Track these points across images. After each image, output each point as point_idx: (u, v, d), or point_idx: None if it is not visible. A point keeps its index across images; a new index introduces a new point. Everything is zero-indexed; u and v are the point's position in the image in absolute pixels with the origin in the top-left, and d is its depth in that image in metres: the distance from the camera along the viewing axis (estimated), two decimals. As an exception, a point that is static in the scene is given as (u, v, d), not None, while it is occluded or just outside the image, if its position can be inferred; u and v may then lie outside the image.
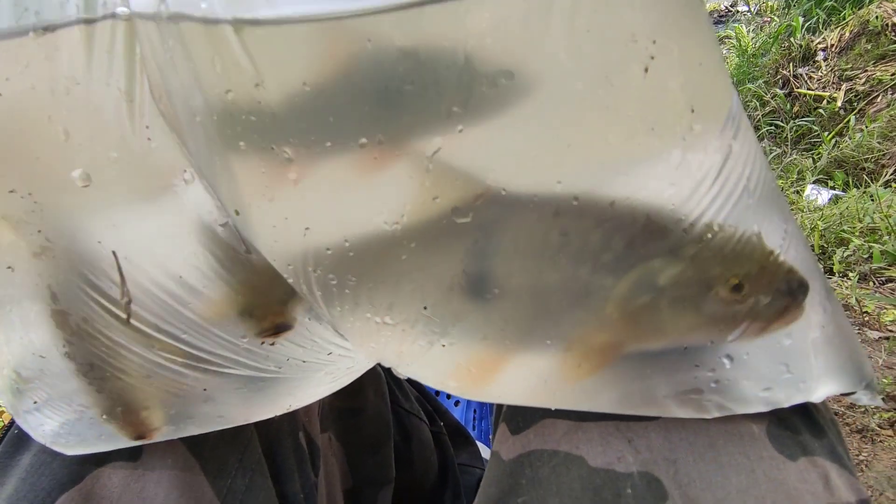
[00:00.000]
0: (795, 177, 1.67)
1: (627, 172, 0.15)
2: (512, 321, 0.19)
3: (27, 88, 0.17)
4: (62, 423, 0.23)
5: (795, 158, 1.78)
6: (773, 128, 2.02)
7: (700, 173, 0.17)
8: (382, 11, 0.13)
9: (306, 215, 0.16)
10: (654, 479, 0.20)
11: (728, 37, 2.85)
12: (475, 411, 0.78)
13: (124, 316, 0.18)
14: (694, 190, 0.16)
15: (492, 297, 0.17)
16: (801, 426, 0.20)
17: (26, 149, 0.17)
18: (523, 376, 0.20)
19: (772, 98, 2.11)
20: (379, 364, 0.23)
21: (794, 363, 0.20)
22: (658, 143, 0.15)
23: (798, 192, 1.58)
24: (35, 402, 0.22)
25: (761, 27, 2.67)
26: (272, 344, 0.20)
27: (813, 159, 1.74)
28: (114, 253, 0.18)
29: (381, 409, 0.40)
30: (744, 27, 2.58)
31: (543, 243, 0.16)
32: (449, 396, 0.79)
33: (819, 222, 1.25)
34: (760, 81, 2.23)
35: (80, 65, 0.17)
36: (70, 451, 0.23)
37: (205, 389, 0.20)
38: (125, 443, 0.23)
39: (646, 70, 0.15)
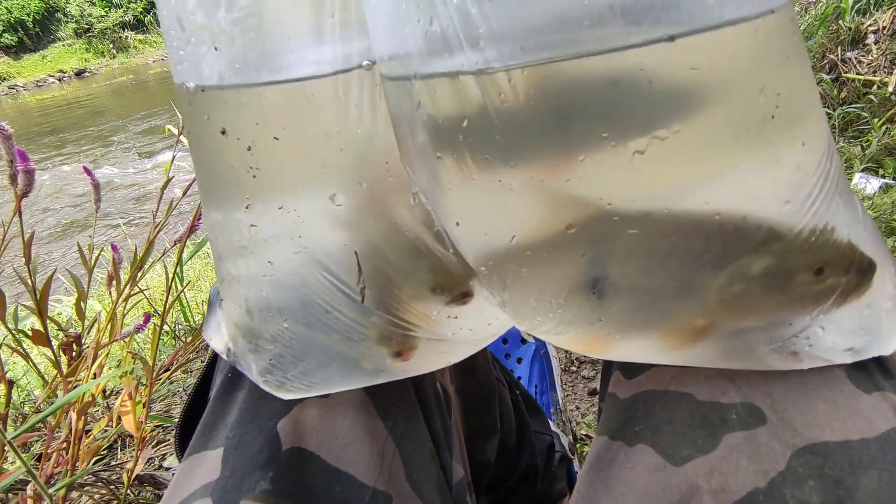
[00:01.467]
0: (843, 165, 1.66)
1: (757, 195, 0.20)
2: (631, 311, 0.24)
3: (299, 134, 0.23)
4: (278, 370, 0.29)
5: (843, 146, 1.76)
6: (819, 114, 1.98)
7: (806, 191, 0.22)
8: (585, 56, 0.18)
9: (514, 227, 0.21)
10: (755, 407, 0.25)
11: (772, 20, 2.77)
12: (536, 386, 0.84)
13: (359, 298, 0.25)
14: (802, 204, 0.22)
15: (618, 294, 0.23)
16: (874, 370, 0.25)
17: (295, 176, 0.24)
18: (640, 345, 0.26)
19: (818, 84, 2.06)
20: None
21: (871, 326, 0.24)
22: (780, 172, 0.20)
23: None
24: (257, 350, 0.29)
25: (806, 9, 2.59)
26: (456, 317, 0.26)
27: (861, 147, 1.71)
28: (356, 252, 0.24)
29: (487, 370, 0.47)
30: (790, 10, 2.50)
31: (664, 250, 0.21)
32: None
33: (870, 211, 1.25)
34: (807, 66, 2.18)
35: (336, 116, 0.23)
36: (278, 393, 0.30)
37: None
38: (319, 391, 0.30)
39: (773, 117, 0.20)
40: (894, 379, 0.25)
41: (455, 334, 0.27)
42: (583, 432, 0.88)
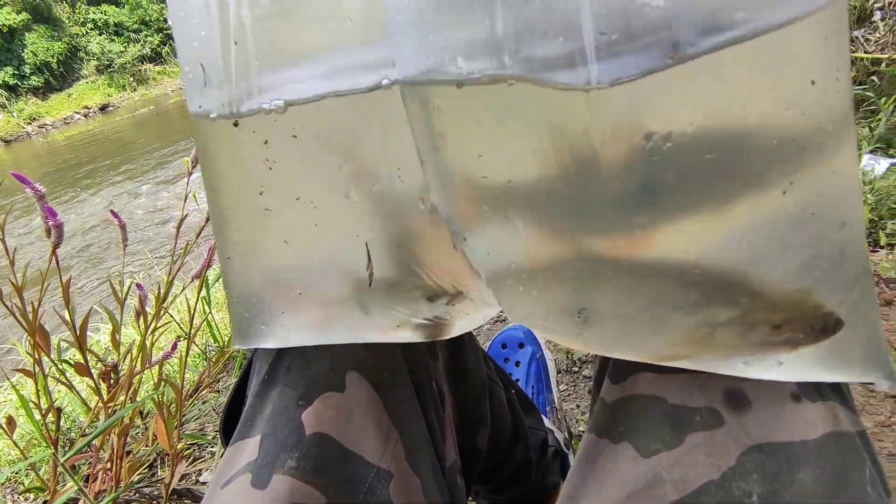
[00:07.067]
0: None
1: (750, 260, 0.23)
2: (608, 338, 0.27)
3: (313, 139, 0.27)
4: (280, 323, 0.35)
5: (849, 128, 1.73)
6: (824, 97, 1.95)
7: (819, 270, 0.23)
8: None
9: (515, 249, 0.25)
10: (716, 411, 0.28)
11: None
12: (533, 387, 0.88)
13: (368, 282, 0.30)
14: (793, 271, 0.23)
15: (599, 322, 0.26)
16: (823, 384, 0.28)
17: (312, 176, 0.28)
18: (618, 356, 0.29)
19: (822, 66, 2.04)
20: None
21: (834, 364, 0.27)
22: (792, 255, 0.23)
23: (852, 163, 1.55)
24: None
25: (810, -10, 2.55)
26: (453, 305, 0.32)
27: (870, 128, 1.69)
28: (367, 244, 0.29)
29: (479, 371, 0.52)
30: (790, -7, 2.47)
31: (643, 294, 0.24)
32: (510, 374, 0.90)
33: (870, 195, 1.25)
34: (809, 49, 2.15)
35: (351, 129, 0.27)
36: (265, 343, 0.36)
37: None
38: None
39: (783, 192, 0.22)
40: (841, 394, 0.29)
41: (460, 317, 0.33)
42: (581, 429, 0.91)
